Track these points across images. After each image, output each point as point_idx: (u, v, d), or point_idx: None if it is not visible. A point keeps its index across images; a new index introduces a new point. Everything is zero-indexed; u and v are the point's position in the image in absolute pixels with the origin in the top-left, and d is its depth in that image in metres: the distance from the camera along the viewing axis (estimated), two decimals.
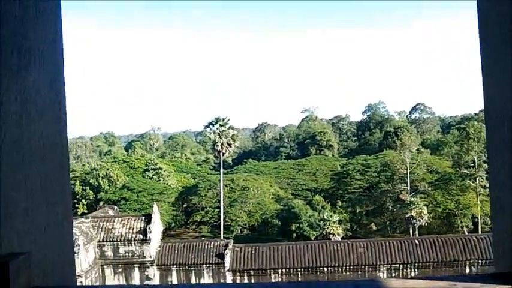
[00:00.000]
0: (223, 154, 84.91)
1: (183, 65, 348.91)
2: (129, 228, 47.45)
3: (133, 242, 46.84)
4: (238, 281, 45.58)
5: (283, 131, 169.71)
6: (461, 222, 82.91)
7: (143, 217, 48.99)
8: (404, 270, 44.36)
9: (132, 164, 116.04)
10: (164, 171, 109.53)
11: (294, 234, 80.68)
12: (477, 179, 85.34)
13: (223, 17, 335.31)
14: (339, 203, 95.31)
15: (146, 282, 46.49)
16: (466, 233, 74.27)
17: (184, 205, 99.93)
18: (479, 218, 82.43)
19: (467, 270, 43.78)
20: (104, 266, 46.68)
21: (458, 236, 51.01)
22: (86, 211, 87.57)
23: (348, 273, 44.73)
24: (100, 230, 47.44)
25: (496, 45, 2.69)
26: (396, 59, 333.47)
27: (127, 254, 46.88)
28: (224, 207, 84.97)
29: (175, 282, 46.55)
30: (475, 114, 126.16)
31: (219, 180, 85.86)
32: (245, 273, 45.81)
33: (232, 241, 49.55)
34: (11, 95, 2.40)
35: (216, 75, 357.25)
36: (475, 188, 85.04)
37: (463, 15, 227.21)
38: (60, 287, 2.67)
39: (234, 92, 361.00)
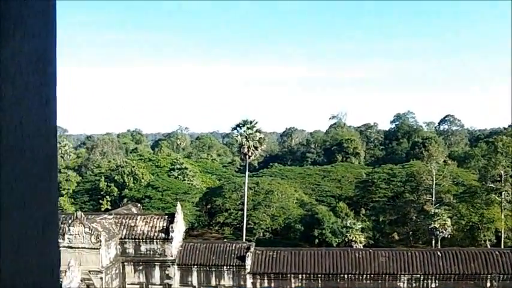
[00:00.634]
0: (249, 157, 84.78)
1: (215, 65, 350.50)
2: (152, 227, 47.70)
3: (155, 240, 47.08)
4: (258, 285, 45.62)
5: (311, 136, 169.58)
6: (484, 235, 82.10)
7: (166, 216, 49.18)
8: (425, 281, 44.07)
9: (157, 162, 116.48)
10: (189, 171, 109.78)
11: (316, 240, 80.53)
12: (503, 193, 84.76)
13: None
14: (363, 211, 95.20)
15: (166, 281, 46.75)
16: (489, 246, 73.61)
17: (208, 206, 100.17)
18: (502, 232, 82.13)
19: (488, 284, 43.39)
20: (125, 263, 46.99)
21: (481, 249, 50.55)
22: (109, 207, 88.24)
23: (368, 281, 44.58)
24: (122, 227, 47.78)
25: None
26: (426, 69, 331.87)
27: (148, 252, 47.14)
28: (248, 210, 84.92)
29: (195, 282, 46.70)
30: (504, 128, 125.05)
31: (244, 183, 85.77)
32: (265, 277, 45.80)
33: (254, 244, 49.60)
34: None
35: (246, 77, 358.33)
36: (500, 203, 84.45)
37: None
38: None
39: (264, 96, 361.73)
